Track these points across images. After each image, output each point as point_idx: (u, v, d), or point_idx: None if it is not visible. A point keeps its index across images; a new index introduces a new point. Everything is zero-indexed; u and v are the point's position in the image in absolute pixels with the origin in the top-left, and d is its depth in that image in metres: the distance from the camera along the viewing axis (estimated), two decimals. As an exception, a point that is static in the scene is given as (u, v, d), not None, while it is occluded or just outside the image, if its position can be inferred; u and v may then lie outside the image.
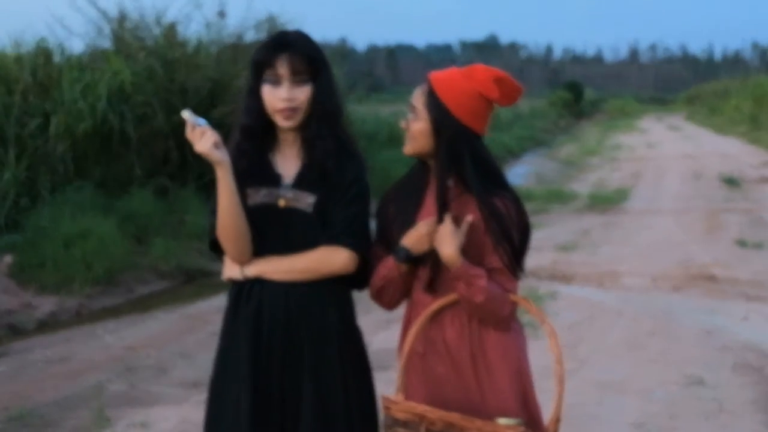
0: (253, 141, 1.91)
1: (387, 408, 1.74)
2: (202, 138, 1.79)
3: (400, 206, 1.93)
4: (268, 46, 1.89)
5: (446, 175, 1.85)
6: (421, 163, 1.94)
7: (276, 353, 1.88)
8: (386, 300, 1.94)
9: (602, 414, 3.75)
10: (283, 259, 1.89)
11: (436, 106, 1.85)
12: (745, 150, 18.41)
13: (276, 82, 1.86)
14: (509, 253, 1.82)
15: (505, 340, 1.86)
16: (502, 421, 1.73)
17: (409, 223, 1.88)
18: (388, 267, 1.90)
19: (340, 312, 1.95)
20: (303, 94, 1.87)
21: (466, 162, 1.84)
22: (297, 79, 1.86)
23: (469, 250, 1.83)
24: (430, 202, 1.89)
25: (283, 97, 1.85)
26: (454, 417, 1.69)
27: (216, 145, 1.80)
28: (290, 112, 1.86)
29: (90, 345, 5.07)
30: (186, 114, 1.82)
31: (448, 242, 1.80)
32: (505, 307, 1.83)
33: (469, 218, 1.83)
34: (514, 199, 1.88)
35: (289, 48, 1.86)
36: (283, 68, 1.85)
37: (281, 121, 1.88)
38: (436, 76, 1.88)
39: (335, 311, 1.93)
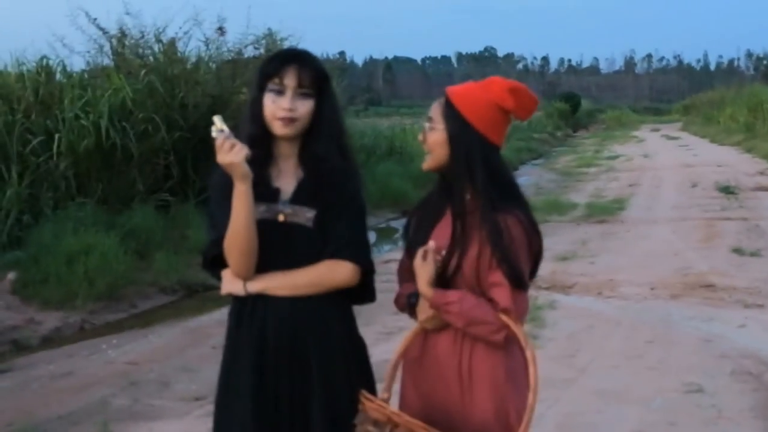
0: (261, 149, 1.89)
1: (362, 404, 1.77)
2: (233, 149, 1.76)
3: (420, 220, 1.95)
4: (276, 58, 1.91)
5: (463, 185, 1.84)
6: (442, 177, 1.93)
7: (283, 368, 1.88)
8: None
9: (602, 422, 3.78)
10: (286, 274, 1.87)
11: (452, 115, 1.84)
12: (740, 159, 18.47)
13: (280, 92, 1.87)
14: (507, 271, 1.77)
15: (494, 359, 1.82)
16: None
17: (425, 237, 1.88)
18: (401, 304, 1.94)
19: (344, 324, 1.96)
20: (304, 107, 1.88)
21: (479, 173, 1.82)
22: (301, 91, 1.87)
23: (477, 267, 1.81)
24: (449, 215, 1.89)
25: (285, 106, 1.85)
26: (417, 426, 1.70)
27: (246, 159, 1.78)
28: (289, 120, 1.87)
29: (93, 360, 5.10)
30: (217, 120, 1.79)
31: (418, 276, 1.82)
32: (490, 327, 1.78)
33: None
34: (524, 215, 1.82)
35: (298, 61, 1.89)
36: (289, 79, 1.86)
37: (279, 128, 1.87)
38: (454, 89, 1.89)
39: (340, 324, 1.94)
